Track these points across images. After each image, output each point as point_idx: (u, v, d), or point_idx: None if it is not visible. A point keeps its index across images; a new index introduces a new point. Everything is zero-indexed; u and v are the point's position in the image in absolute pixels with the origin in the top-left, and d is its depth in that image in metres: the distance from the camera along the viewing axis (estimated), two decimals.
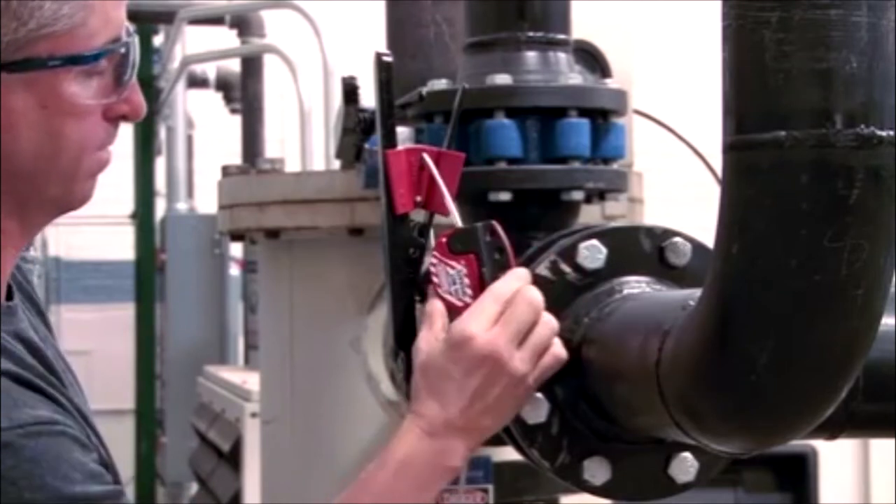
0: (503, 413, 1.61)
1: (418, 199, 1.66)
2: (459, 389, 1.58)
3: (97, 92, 1.45)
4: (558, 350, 1.63)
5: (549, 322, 1.62)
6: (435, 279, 1.64)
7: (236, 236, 3.30)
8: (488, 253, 1.63)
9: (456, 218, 1.65)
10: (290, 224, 2.96)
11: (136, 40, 1.49)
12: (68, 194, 1.48)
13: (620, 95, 2.28)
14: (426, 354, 1.61)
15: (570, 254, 1.81)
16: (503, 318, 1.59)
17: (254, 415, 4.69)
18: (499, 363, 1.58)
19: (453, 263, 1.64)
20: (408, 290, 1.67)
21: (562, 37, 2.22)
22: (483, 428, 1.60)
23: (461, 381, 1.58)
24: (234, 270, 7.95)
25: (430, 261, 1.66)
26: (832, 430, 1.66)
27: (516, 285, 1.61)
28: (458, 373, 1.58)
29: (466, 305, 1.64)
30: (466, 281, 1.63)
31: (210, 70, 8.75)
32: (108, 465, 1.48)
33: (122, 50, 1.46)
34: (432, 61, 2.70)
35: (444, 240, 1.65)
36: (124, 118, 1.50)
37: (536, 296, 1.61)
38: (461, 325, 1.59)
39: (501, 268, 1.63)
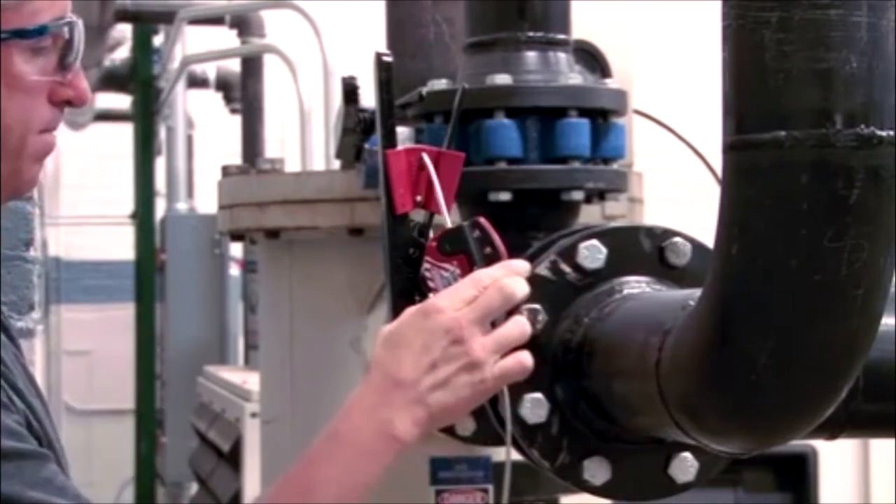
0: (456, 396, 1.58)
1: (418, 199, 1.66)
2: (416, 359, 1.57)
3: (42, 70, 1.49)
4: (524, 357, 1.60)
5: (520, 322, 1.61)
6: (431, 283, 1.64)
7: (236, 236, 3.30)
8: (478, 249, 1.63)
9: (446, 219, 1.65)
10: (290, 224, 2.96)
11: (80, 24, 1.52)
12: (16, 175, 1.51)
13: (620, 95, 2.28)
14: (392, 325, 1.62)
15: (570, 254, 1.81)
16: (475, 301, 1.59)
17: (254, 415, 4.68)
18: (458, 340, 1.57)
19: (446, 265, 1.64)
20: (408, 291, 1.67)
21: (562, 37, 2.22)
22: (433, 406, 1.58)
23: (419, 352, 1.57)
24: (234, 270, 7.94)
25: (423, 266, 1.66)
26: (832, 430, 1.66)
27: (498, 273, 1.61)
28: (418, 343, 1.58)
29: None
30: (456, 281, 1.63)
31: (210, 70, 8.74)
32: (41, 438, 1.46)
33: (66, 29, 1.50)
34: (432, 61, 2.70)
35: (433, 244, 1.65)
36: (69, 103, 1.53)
37: (512, 286, 1.60)
38: (433, 299, 1.60)
39: (492, 262, 1.63)
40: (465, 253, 1.63)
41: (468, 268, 1.63)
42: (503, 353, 1.59)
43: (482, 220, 1.64)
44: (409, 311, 1.61)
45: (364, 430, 1.56)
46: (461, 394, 1.58)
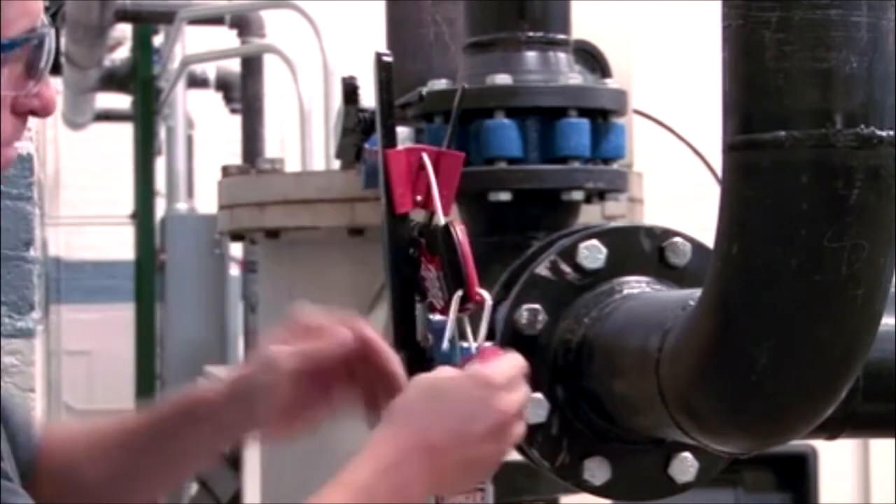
0: (475, 477, 1.53)
1: (418, 198, 1.65)
2: (455, 428, 1.48)
3: (7, 82, 1.40)
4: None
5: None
6: (426, 283, 1.64)
7: (236, 236, 3.31)
8: (447, 255, 1.62)
9: (440, 219, 1.64)
10: (290, 224, 2.97)
11: (52, 33, 1.43)
12: None
13: (620, 95, 2.28)
14: (437, 378, 1.53)
15: (570, 254, 1.81)
16: (522, 394, 1.54)
17: None
18: (502, 428, 1.50)
19: (431, 267, 1.64)
20: (408, 290, 1.67)
21: (562, 37, 2.22)
22: (451, 480, 1.50)
23: (461, 421, 1.49)
24: (234, 270, 7.95)
25: (422, 266, 1.66)
26: (832, 430, 1.66)
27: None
28: (463, 411, 1.49)
29: (445, 307, 1.62)
30: (438, 284, 1.63)
31: (210, 70, 8.74)
32: None
33: (37, 41, 1.41)
34: (432, 61, 2.71)
35: (424, 244, 1.64)
36: (34, 113, 1.43)
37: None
38: (488, 374, 1.52)
39: (456, 270, 1.61)
40: (440, 256, 1.63)
41: (440, 271, 1.63)
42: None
43: (452, 223, 1.62)
44: (463, 375, 1.53)
45: (378, 488, 1.46)
46: (479, 475, 1.54)
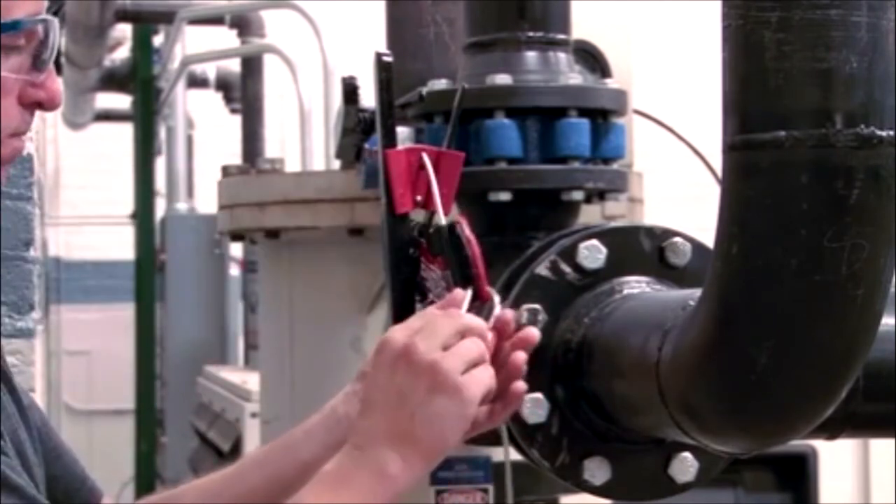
0: (439, 420, 1.48)
1: (418, 198, 1.65)
2: (384, 395, 1.49)
3: (13, 69, 1.42)
4: (488, 367, 1.52)
5: (475, 340, 1.52)
6: (426, 284, 1.64)
7: (236, 236, 3.31)
8: (454, 253, 1.62)
9: (440, 219, 1.64)
10: (290, 224, 2.97)
11: (56, 24, 1.45)
12: None
13: (620, 95, 2.28)
14: (374, 368, 1.55)
15: (570, 254, 1.81)
16: (422, 327, 1.52)
17: (254, 415, 4.69)
18: (412, 362, 1.49)
19: (434, 267, 1.64)
20: (408, 290, 1.67)
21: (562, 37, 2.22)
22: (416, 436, 1.48)
23: (385, 386, 1.50)
24: (234, 270, 7.95)
25: (421, 266, 1.66)
26: (832, 430, 1.66)
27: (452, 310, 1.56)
28: (381, 377, 1.51)
29: None
30: (443, 283, 1.63)
31: (210, 70, 8.74)
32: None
33: (41, 27, 1.43)
34: (432, 61, 2.70)
35: (424, 243, 1.64)
36: (40, 105, 1.45)
37: (461, 316, 1.54)
38: (386, 334, 1.54)
39: (466, 265, 1.61)
40: (443, 256, 1.63)
41: (446, 270, 1.63)
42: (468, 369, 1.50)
43: (460, 222, 1.63)
44: (379, 356, 1.53)
45: (356, 476, 1.48)
46: (443, 416, 1.49)
